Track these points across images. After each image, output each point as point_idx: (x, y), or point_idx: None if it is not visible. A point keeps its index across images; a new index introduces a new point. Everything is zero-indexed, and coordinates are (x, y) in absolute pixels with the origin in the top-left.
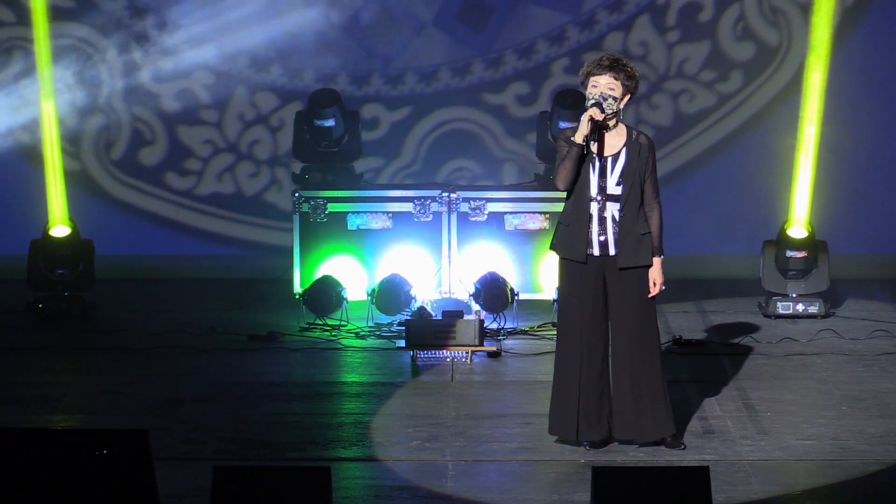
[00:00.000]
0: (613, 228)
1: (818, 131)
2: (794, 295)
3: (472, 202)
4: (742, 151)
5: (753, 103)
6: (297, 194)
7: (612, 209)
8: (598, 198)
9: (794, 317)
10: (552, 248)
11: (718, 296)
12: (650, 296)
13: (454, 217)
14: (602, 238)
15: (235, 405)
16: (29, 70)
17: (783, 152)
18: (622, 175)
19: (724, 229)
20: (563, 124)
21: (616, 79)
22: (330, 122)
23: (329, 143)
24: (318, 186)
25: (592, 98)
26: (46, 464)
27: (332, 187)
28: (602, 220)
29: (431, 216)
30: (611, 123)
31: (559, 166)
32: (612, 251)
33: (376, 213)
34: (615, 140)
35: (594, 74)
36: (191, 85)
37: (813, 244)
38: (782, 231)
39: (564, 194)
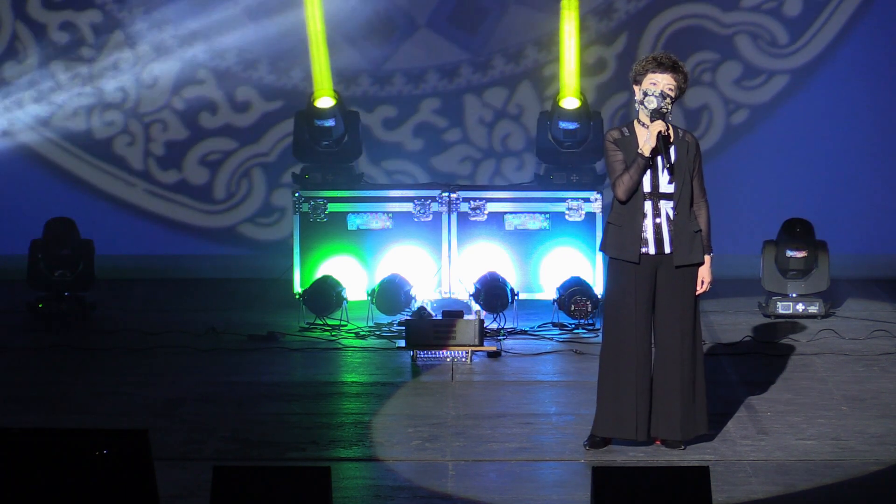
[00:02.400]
0: (668, 226)
1: (819, 131)
2: (794, 295)
3: (472, 202)
4: (742, 152)
5: (753, 104)
6: (297, 194)
7: (666, 207)
8: (652, 196)
9: (794, 317)
10: (602, 249)
11: (718, 296)
12: (697, 293)
13: (454, 217)
14: (657, 236)
15: (235, 405)
16: (29, 70)
17: (784, 152)
18: (673, 173)
19: (724, 229)
20: (563, 124)
21: (675, 79)
22: (330, 122)
23: (329, 143)
24: (318, 186)
25: (652, 95)
26: (46, 464)
27: (332, 187)
28: (657, 219)
29: (431, 216)
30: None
31: (622, 177)
32: (667, 249)
33: (376, 213)
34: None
35: (654, 72)
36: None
37: (813, 244)
38: (782, 231)
39: (566, 193)
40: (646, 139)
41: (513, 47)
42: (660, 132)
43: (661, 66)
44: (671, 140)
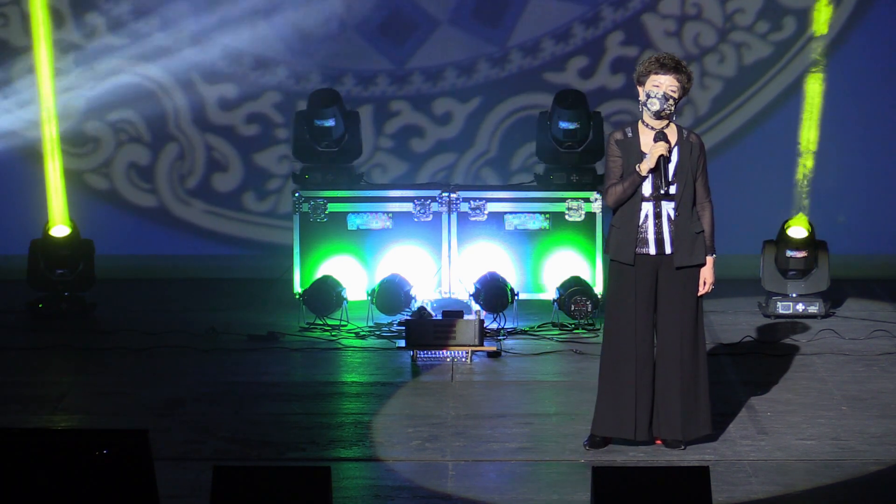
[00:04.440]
0: (669, 227)
1: (818, 131)
2: (794, 295)
3: (472, 202)
4: (742, 152)
5: (754, 104)
6: (297, 194)
7: (667, 208)
8: (653, 198)
9: (794, 317)
10: (605, 251)
11: (718, 296)
12: (699, 294)
13: (454, 217)
14: (658, 236)
15: (235, 405)
16: (28, 69)
17: (783, 152)
18: (675, 174)
19: (724, 229)
20: (563, 124)
21: (678, 80)
22: (330, 122)
23: (329, 143)
24: (318, 186)
25: (655, 97)
26: (46, 464)
27: (332, 187)
28: (657, 219)
29: (431, 216)
30: (666, 126)
31: (615, 187)
32: (668, 249)
33: (376, 213)
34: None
35: (656, 73)
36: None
37: (813, 244)
38: (782, 231)
39: (566, 193)
40: (646, 157)
41: None
42: (661, 156)
43: (663, 67)
44: (670, 159)
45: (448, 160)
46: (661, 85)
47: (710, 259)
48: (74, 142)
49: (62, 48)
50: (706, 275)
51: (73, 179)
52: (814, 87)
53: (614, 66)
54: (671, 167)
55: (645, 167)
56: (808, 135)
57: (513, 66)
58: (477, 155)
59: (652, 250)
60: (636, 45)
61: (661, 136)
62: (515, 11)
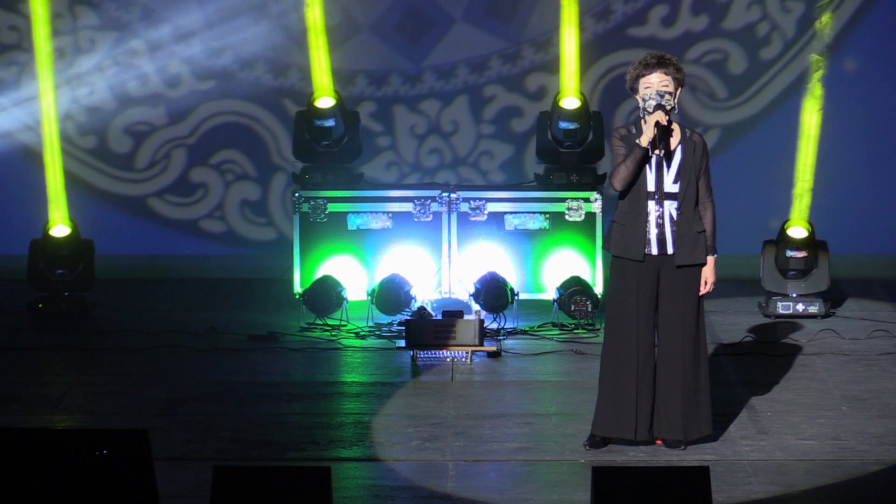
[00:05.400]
0: (671, 226)
1: (819, 131)
2: (794, 295)
3: (472, 202)
4: (742, 152)
5: (753, 104)
6: (297, 194)
7: (670, 207)
8: (656, 196)
9: (794, 317)
10: (605, 248)
11: (718, 296)
12: (700, 294)
13: (454, 217)
14: (660, 236)
15: (235, 405)
16: (29, 69)
17: (784, 152)
18: (679, 173)
19: (724, 229)
20: (563, 124)
21: (666, 74)
22: (330, 122)
23: (329, 143)
24: (318, 186)
25: (650, 98)
26: (46, 464)
27: (332, 187)
28: (660, 218)
29: (431, 216)
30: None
31: (619, 167)
32: (669, 249)
33: (376, 213)
34: (671, 137)
35: (644, 75)
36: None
37: (813, 244)
38: (782, 231)
39: (566, 193)
40: (644, 127)
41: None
42: (657, 122)
43: (647, 66)
44: (671, 133)
45: None
46: (652, 84)
47: (711, 258)
48: (183, 192)
49: (153, 104)
50: (707, 274)
51: (190, 228)
52: (813, 87)
53: (695, 7)
54: (674, 164)
55: (645, 139)
56: (808, 134)
57: (588, 34)
58: None
59: (654, 250)
60: None
61: (659, 108)
62: None
